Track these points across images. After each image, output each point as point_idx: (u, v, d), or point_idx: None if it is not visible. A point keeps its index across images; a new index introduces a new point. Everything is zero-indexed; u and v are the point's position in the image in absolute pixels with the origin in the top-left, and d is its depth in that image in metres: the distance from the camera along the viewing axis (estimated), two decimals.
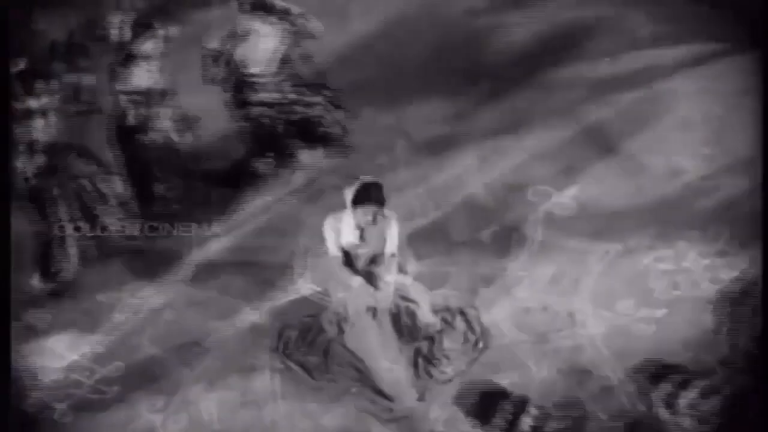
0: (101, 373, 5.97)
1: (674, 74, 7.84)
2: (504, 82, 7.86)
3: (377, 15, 8.42)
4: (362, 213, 5.78)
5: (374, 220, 5.78)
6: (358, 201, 5.78)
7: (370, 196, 5.75)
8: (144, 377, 5.95)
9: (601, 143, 7.33)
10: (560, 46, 8.08)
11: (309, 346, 6.01)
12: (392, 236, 5.91)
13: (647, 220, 6.72)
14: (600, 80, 7.83)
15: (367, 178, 5.78)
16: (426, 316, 5.93)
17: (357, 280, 5.77)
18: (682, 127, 7.38)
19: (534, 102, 7.69)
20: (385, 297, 5.84)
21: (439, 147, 7.36)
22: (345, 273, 5.79)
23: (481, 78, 7.89)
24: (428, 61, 8.06)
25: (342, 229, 5.89)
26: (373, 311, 5.84)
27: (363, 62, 8.07)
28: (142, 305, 6.32)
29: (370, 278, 5.84)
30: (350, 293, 5.84)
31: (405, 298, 5.92)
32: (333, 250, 5.92)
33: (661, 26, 8.10)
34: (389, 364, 5.77)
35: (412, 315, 5.90)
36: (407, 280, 6.05)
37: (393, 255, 5.97)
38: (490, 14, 8.41)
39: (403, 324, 5.88)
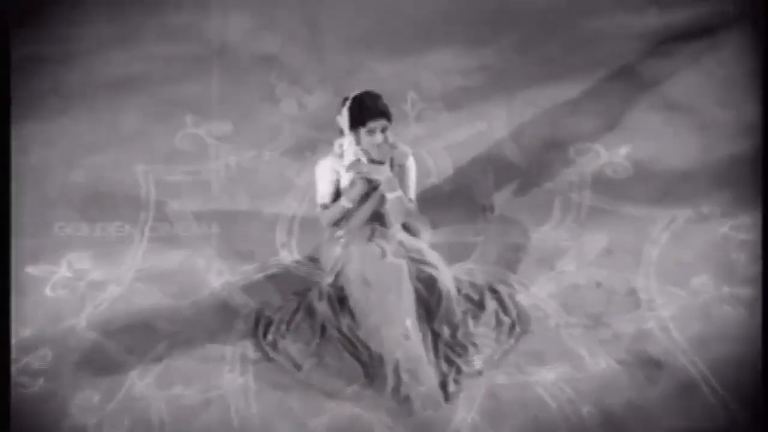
0: (23, 362, 4.57)
1: (740, 22, 6.56)
2: (533, 32, 6.61)
3: None
4: (367, 135, 4.51)
5: (385, 143, 4.52)
6: (358, 120, 4.50)
7: (371, 108, 4.50)
8: (78, 368, 4.55)
9: (658, 96, 6.03)
10: None
11: (295, 330, 4.62)
12: (410, 177, 4.63)
13: (719, 182, 5.38)
14: (651, 30, 6.57)
15: (358, 92, 4.58)
16: (447, 281, 4.55)
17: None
18: (752, 79, 6.07)
19: (571, 52, 6.42)
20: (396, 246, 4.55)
21: (458, 100, 6.06)
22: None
23: (506, 28, 6.64)
24: (443, 11, 6.83)
25: (342, 172, 4.59)
26: (383, 253, 4.51)
27: (363, 11, 6.82)
28: (80, 279, 4.95)
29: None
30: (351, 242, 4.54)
31: (419, 261, 4.54)
32: (323, 195, 4.62)
33: None
34: (410, 321, 4.37)
35: (430, 281, 4.50)
36: (421, 244, 4.69)
37: (411, 201, 4.67)
38: None
39: (418, 293, 4.49)
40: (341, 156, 4.65)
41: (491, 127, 5.82)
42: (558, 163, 5.54)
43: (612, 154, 5.58)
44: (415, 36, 6.58)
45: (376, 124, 4.53)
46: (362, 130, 4.56)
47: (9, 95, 5.54)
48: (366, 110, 4.52)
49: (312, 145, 5.64)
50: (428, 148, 5.63)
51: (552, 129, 5.79)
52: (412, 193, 4.72)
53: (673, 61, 6.28)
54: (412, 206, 4.70)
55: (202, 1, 6.93)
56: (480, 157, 5.62)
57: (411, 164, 4.70)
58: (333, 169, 4.67)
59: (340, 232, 4.64)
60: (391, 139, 4.56)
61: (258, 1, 6.90)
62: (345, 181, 4.65)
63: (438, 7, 6.84)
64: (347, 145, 4.62)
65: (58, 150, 5.69)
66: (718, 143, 5.63)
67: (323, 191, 4.67)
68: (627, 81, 6.14)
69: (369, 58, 6.35)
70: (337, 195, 4.64)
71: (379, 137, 4.53)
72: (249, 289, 4.88)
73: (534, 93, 6.05)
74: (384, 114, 4.55)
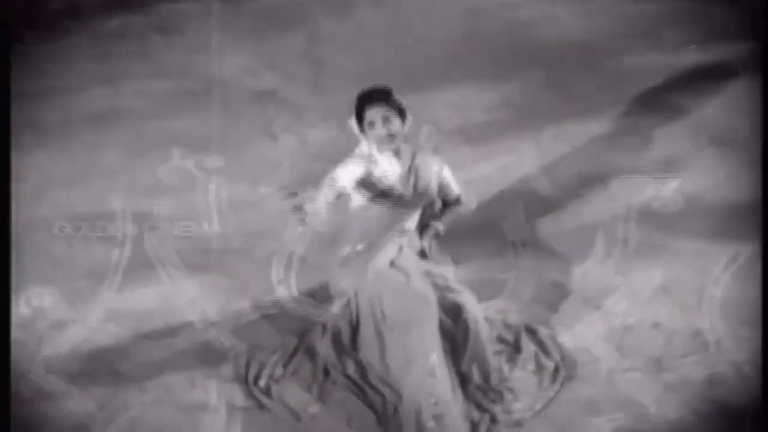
0: None
1: None
2: (560, 70, 6.02)
3: (391, 5, 6.72)
4: (370, 129, 3.95)
5: (391, 135, 3.94)
6: (359, 113, 4.01)
7: (368, 95, 4.01)
8: (32, 420, 3.76)
9: (705, 132, 5.38)
10: (629, 37, 6.31)
11: (292, 374, 3.85)
12: (444, 174, 4.20)
13: None
14: (692, 68, 5.97)
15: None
16: (476, 309, 3.79)
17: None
18: None
19: (604, 89, 5.80)
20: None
21: (479, 134, 5.41)
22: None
23: (530, 65, 6.04)
24: (460, 49, 6.25)
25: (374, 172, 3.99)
26: (407, 279, 3.78)
27: (372, 50, 6.24)
28: (39, 317, 4.19)
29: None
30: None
31: (443, 288, 3.79)
32: (328, 195, 3.92)
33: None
34: (435, 356, 3.58)
35: (455, 310, 3.74)
36: (446, 270, 3.97)
37: (459, 197, 4.24)
38: (531, 6, 6.68)
39: (442, 325, 3.71)
40: (373, 160, 4.00)
41: (518, 161, 5.16)
42: (598, 196, 4.85)
43: (658, 188, 4.90)
44: (431, 72, 5.98)
45: (374, 112, 3.94)
46: (366, 126, 3.96)
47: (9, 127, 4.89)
48: (363, 99, 3.99)
49: (314, 178, 4.94)
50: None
51: (588, 163, 5.12)
52: (457, 188, 4.27)
53: (711, 96, 5.67)
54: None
55: (196, 39, 6.37)
56: (508, 191, 4.93)
57: (447, 171, 4.24)
58: (363, 166, 4.02)
59: (358, 248, 3.91)
60: (399, 130, 3.96)
61: (257, 38, 6.34)
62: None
63: (456, 43, 6.28)
64: (367, 147, 3.98)
65: (27, 183, 5.00)
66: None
67: (346, 168, 3.99)
68: (665, 115, 5.52)
69: None
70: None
71: (381, 129, 3.89)
72: (239, 330, 4.13)
73: (563, 128, 5.42)
74: (380, 99, 3.94)
